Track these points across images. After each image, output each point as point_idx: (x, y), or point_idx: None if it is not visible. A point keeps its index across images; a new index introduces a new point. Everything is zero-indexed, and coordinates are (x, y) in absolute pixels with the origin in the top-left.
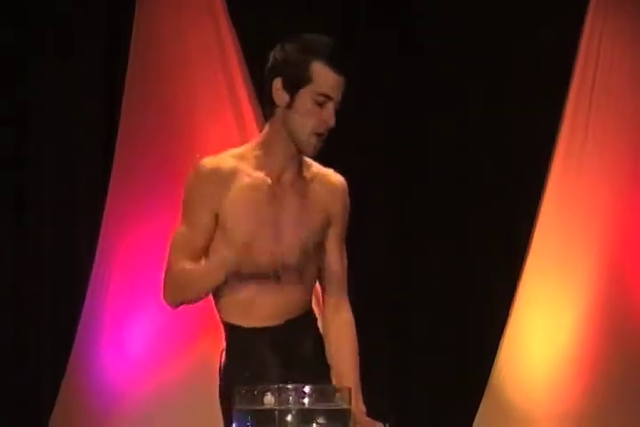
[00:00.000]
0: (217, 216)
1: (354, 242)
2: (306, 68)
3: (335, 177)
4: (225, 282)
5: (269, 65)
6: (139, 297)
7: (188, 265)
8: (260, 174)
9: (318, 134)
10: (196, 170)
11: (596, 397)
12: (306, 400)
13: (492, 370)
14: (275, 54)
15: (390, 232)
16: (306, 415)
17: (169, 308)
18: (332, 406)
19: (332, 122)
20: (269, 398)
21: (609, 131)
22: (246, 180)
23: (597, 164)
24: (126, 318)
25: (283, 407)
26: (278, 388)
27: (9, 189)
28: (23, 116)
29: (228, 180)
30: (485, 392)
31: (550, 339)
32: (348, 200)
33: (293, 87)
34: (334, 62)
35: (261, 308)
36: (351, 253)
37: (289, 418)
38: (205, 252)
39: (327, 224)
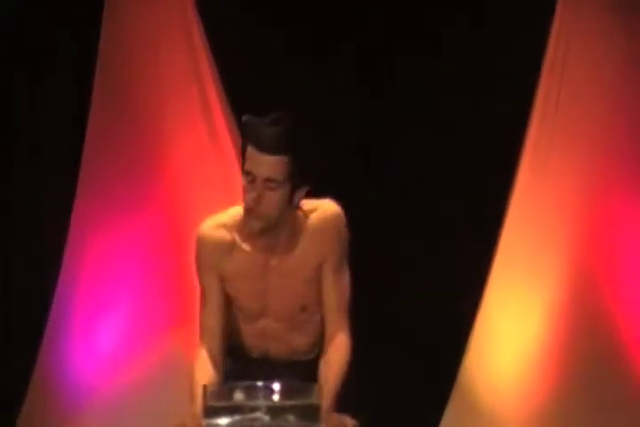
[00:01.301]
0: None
1: None
2: (244, 148)
3: (325, 212)
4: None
5: None
6: (108, 295)
7: (199, 368)
8: (252, 247)
9: (248, 211)
10: (197, 241)
11: (564, 396)
12: (275, 397)
13: (460, 369)
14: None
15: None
16: (276, 411)
17: (138, 305)
18: (301, 401)
19: (251, 203)
20: (239, 395)
21: (578, 123)
22: (241, 254)
23: (566, 160)
24: (95, 316)
25: (252, 403)
26: (247, 385)
27: None
28: None
29: (225, 252)
30: (453, 391)
31: (518, 338)
32: (342, 228)
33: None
34: (258, 142)
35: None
36: None
37: (258, 414)
38: (223, 318)
39: (323, 262)
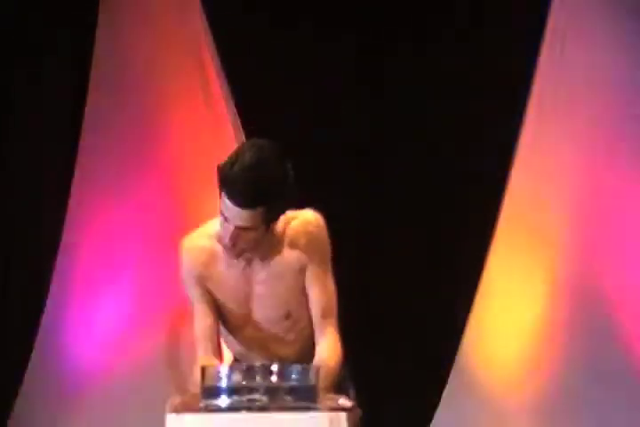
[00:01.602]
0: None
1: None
2: (220, 188)
3: (305, 219)
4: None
5: None
6: (106, 279)
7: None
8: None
9: (224, 246)
10: (182, 253)
11: (562, 375)
12: (273, 378)
13: (459, 348)
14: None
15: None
16: (274, 392)
17: (136, 288)
18: (299, 383)
19: (225, 240)
20: (237, 376)
21: (577, 99)
22: (223, 263)
23: (566, 130)
24: (93, 299)
25: (251, 384)
26: (246, 366)
27: None
28: None
29: (211, 260)
30: (452, 370)
31: (517, 316)
32: (323, 233)
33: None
34: (232, 197)
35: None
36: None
37: (257, 395)
38: (214, 327)
39: (304, 267)
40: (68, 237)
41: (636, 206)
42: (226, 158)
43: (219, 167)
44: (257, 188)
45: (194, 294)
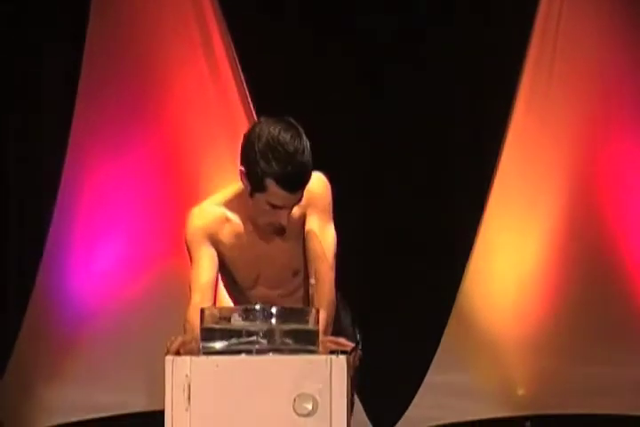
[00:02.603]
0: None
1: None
2: (261, 181)
3: (311, 181)
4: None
5: (241, 145)
6: (103, 225)
7: (192, 313)
8: (242, 219)
9: (274, 227)
10: (191, 220)
11: (558, 317)
12: (273, 321)
13: (459, 292)
14: (245, 142)
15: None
16: (273, 335)
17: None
18: (299, 326)
19: (284, 222)
20: (236, 319)
21: (575, 62)
22: (234, 227)
23: (564, 93)
24: (94, 239)
25: (250, 327)
26: (245, 308)
27: None
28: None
29: (219, 226)
30: (452, 312)
31: (515, 263)
32: (324, 188)
33: (251, 188)
34: (285, 185)
35: None
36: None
37: (256, 338)
38: (213, 283)
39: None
40: (67, 182)
41: (626, 166)
42: (258, 144)
43: (254, 158)
44: (305, 174)
45: (199, 252)
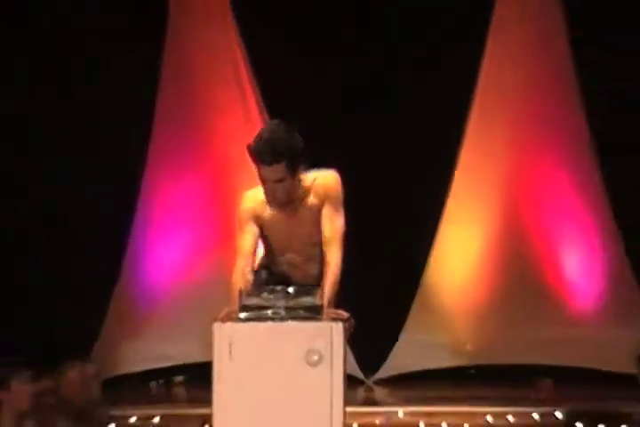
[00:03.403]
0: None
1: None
2: (250, 156)
3: (326, 176)
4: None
5: None
6: (174, 224)
7: (236, 276)
8: (276, 206)
9: (269, 201)
10: (242, 202)
11: (495, 292)
12: (290, 297)
13: (423, 276)
14: None
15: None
16: (290, 308)
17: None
18: (308, 301)
19: (279, 195)
20: (265, 296)
21: (509, 109)
22: (270, 211)
23: (502, 132)
24: (164, 239)
25: (274, 303)
26: (270, 289)
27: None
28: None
29: (262, 208)
30: (418, 292)
31: (464, 254)
32: (337, 184)
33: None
34: (256, 157)
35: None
36: None
37: (278, 310)
38: (253, 252)
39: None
40: (145, 195)
41: (549, 181)
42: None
43: (248, 146)
44: (273, 147)
45: (245, 228)
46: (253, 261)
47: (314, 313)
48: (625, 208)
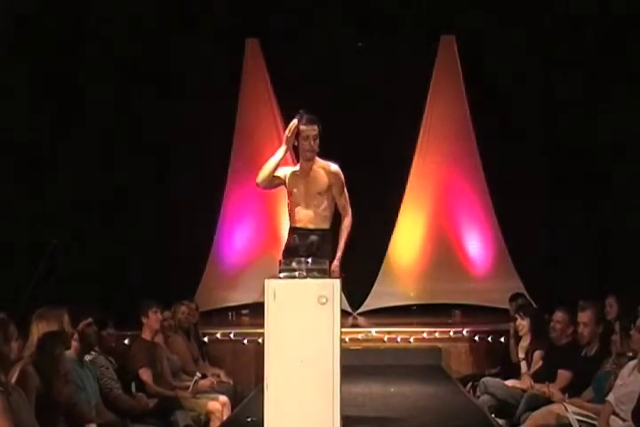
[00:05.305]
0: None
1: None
2: (298, 124)
3: (331, 166)
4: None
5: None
6: (239, 223)
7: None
8: (300, 173)
9: (309, 151)
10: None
11: (430, 262)
12: (309, 264)
13: (387, 249)
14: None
15: None
16: (309, 271)
17: (252, 228)
18: (320, 266)
19: (311, 148)
20: (294, 264)
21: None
22: (295, 174)
23: (431, 181)
24: (234, 232)
25: (299, 267)
26: (297, 260)
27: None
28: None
29: (291, 173)
30: (384, 260)
31: (413, 240)
32: (339, 175)
33: (298, 131)
34: (303, 121)
35: (300, 220)
36: None
37: (301, 272)
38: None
39: (330, 187)
40: (225, 209)
41: (467, 199)
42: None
43: (299, 114)
44: (314, 120)
45: (280, 175)
46: (271, 179)
47: (323, 274)
48: (505, 217)
